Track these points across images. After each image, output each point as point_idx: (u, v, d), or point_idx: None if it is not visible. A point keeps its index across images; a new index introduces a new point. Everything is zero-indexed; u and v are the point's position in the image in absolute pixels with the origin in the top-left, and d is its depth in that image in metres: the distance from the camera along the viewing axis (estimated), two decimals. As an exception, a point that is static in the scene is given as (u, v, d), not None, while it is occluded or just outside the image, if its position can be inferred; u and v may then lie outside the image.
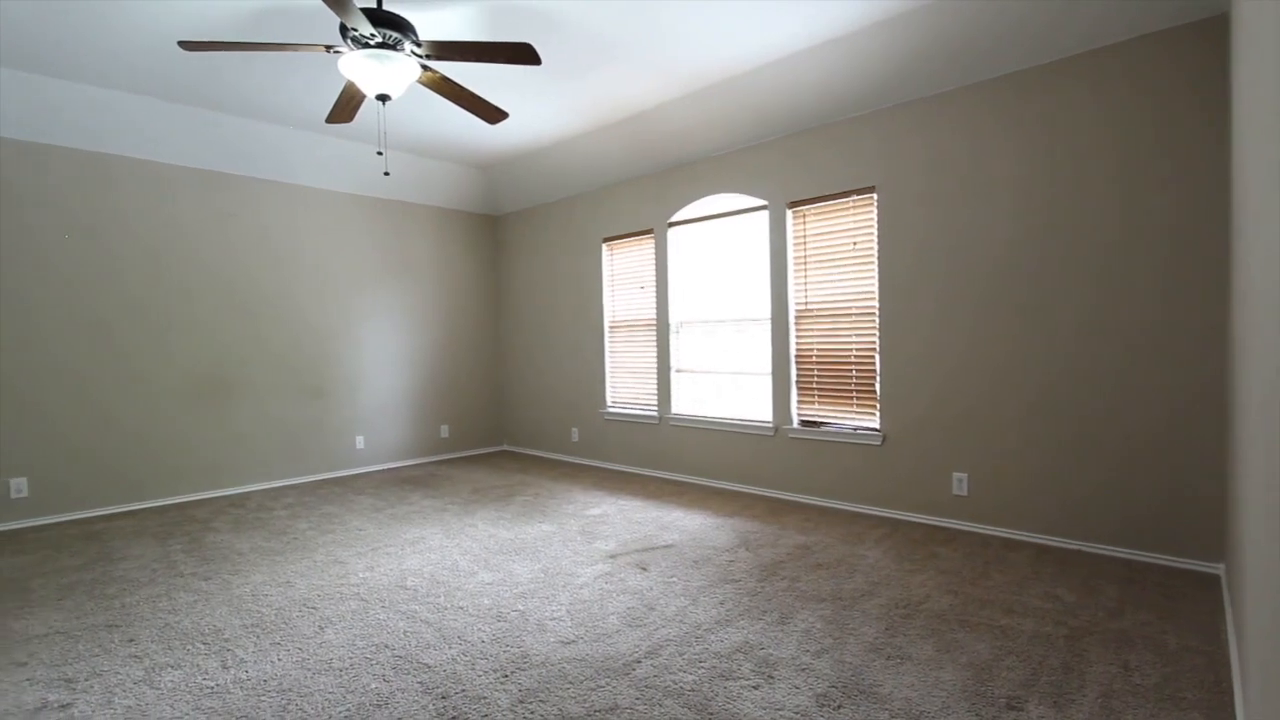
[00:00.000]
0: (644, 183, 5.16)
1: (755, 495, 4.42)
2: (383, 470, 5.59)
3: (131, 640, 2.40)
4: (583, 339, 5.74)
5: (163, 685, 2.07)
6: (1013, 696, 1.92)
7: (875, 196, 3.85)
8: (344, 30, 2.67)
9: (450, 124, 4.66)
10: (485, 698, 1.96)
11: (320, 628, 2.47)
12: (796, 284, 4.26)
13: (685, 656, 2.19)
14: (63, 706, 1.96)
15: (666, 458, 5.07)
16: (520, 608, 2.62)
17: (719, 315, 4.77)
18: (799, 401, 4.29)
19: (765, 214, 4.40)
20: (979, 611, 2.51)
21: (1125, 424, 3.05)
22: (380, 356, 5.68)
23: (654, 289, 5.13)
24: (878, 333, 3.87)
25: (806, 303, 4.21)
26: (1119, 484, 3.08)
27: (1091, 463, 3.15)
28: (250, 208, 4.91)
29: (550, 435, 6.11)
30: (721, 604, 2.63)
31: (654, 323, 5.15)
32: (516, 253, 6.41)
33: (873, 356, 3.91)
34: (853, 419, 4.03)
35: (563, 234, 5.90)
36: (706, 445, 4.79)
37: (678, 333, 5.04)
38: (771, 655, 2.19)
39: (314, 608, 2.66)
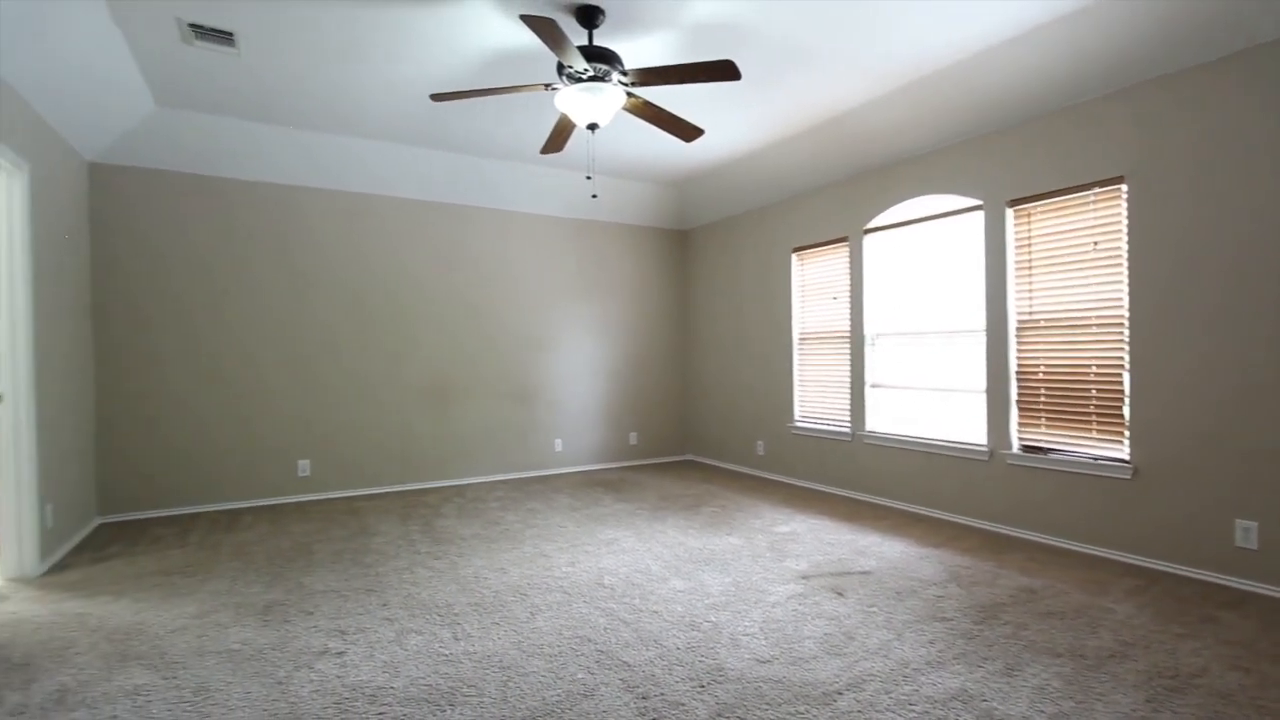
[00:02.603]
0: (837, 189, 4.96)
1: (964, 526, 3.99)
2: (578, 472, 5.99)
3: (385, 605, 2.81)
4: (770, 351, 5.65)
5: (409, 647, 2.40)
6: (1346, 815, 1.50)
7: (1124, 188, 3.30)
8: (560, 68, 2.93)
9: (643, 146, 4.88)
10: (684, 705, 1.99)
11: (531, 614, 2.69)
12: (1019, 291, 3.79)
13: (893, 696, 2.03)
14: (338, 654, 2.36)
15: (859, 477, 4.78)
16: (713, 619, 2.63)
17: (921, 327, 4.40)
18: (1020, 424, 3.80)
19: (979, 215, 3.99)
20: (1284, 697, 2.00)
21: None
22: (577, 366, 6.10)
23: (847, 299, 4.89)
24: (1126, 346, 3.29)
25: (1031, 312, 3.73)
26: None
27: None
28: (472, 233, 5.58)
29: (735, 447, 6.09)
30: (931, 643, 2.40)
31: (847, 334, 4.90)
32: (704, 266, 6.52)
33: (1119, 374, 3.33)
34: (1092, 447, 3.46)
35: (751, 245, 5.87)
36: (906, 467, 4.43)
37: (873, 345, 4.74)
38: (996, 710, 1.95)
39: (525, 594, 2.92)
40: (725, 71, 2.72)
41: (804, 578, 3.10)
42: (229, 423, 4.64)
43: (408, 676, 2.18)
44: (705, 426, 6.52)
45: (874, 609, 2.72)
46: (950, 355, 4.23)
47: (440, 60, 3.44)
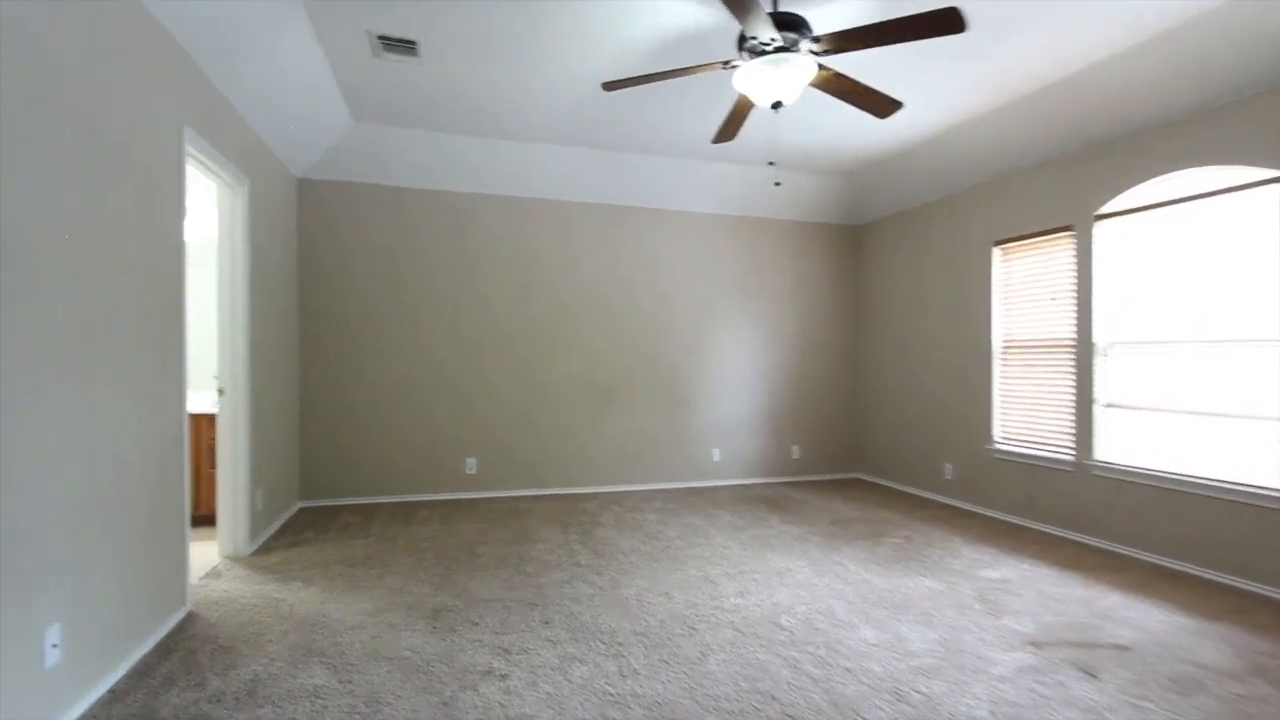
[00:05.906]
0: (1057, 168, 4.15)
1: (1246, 592, 3.09)
2: (735, 485, 5.64)
3: (547, 623, 2.67)
4: (963, 360, 4.91)
5: (574, 678, 2.21)
6: None
7: None
8: (741, 41, 2.62)
9: (810, 132, 4.43)
10: (903, 810, 1.58)
11: (702, 654, 2.40)
12: (1343, 288, 2.85)
13: (1212, 847, 1.47)
14: (502, 676, 2.23)
15: (1084, 515, 3.95)
16: (924, 690, 2.16)
17: (1176, 334, 3.51)
18: (1343, 464, 2.85)
19: (1276, 189, 3.07)
20: None
21: None
22: (736, 371, 5.76)
23: (1071, 300, 4.07)
24: None
25: (1365, 316, 2.78)
26: None
27: None
28: (629, 234, 5.45)
29: (915, 468, 5.39)
30: (1251, 768, 1.76)
31: (1068, 342, 4.08)
32: (880, 264, 5.87)
33: None
34: None
35: (939, 240, 5.16)
36: (1155, 508, 3.56)
37: (1105, 356, 3.89)
38: None
39: (693, 628, 2.63)
40: (947, 22, 2.24)
41: (1034, 645, 2.50)
42: (409, 419, 4.89)
43: (573, 715, 1.98)
44: (879, 443, 5.86)
45: (1147, 703, 2.09)
46: (1221, 370, 3.32)
47: (609, 52, 3.29)
